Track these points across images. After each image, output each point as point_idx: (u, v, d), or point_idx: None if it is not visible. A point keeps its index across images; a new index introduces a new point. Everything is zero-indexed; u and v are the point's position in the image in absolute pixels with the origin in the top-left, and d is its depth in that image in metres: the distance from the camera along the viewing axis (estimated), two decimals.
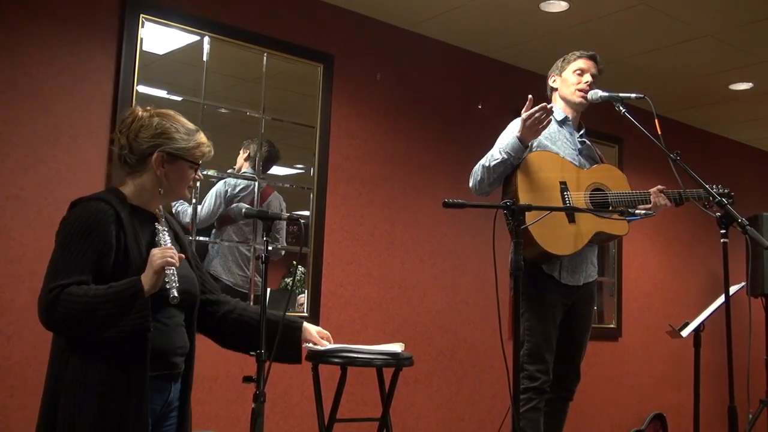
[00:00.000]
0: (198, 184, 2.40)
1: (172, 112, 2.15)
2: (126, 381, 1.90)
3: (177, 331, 2.08)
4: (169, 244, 2.02)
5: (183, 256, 2.02)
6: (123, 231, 1.97)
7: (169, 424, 2.09)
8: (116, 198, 2.03)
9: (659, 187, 3.26)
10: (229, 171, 3.94)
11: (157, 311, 1.96)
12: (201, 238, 3.84)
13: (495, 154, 3.10)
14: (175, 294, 1.91)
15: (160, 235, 2.05)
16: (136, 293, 1.88)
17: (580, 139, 3.36)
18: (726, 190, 3.10)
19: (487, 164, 3.11)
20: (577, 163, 3.27)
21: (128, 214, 2.01)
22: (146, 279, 1.91)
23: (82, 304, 1.85)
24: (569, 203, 3.16)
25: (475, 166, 3.19)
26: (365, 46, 4.49)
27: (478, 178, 3.15)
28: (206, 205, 3.85)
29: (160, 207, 2.17)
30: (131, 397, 1.89)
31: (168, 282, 1.92)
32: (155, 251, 1.94)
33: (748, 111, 6.03)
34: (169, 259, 1.92)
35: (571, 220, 3.17)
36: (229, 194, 3.92)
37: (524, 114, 3.01)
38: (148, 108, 2.13)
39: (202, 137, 2.14)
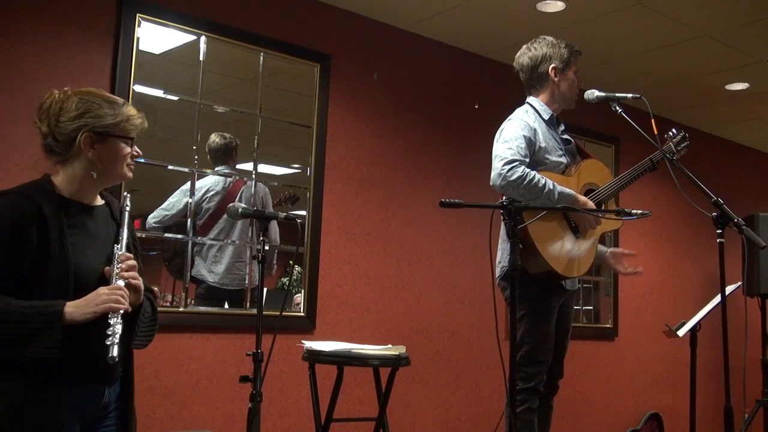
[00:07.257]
0: (139, 160, 2.12)
1: (92, 89, 1.99)
2: (41, 394, 1.77)
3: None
4: (121, 283, 1.85)
5: (127, 308, 1.84)
6: (46, 229, 1.81)
7: (106, 425, 2.00)
8: (42, 191, 1.88)
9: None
10: (207, 170, 3.84)
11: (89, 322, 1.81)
12: (179, 236, 3.73)
13: (555, 194, 2.99)
14: (113, 354, 1.76)
15: (114, 263, 1.88)
16: (53, 321, 1.74)
17: (563, 137, 3.31)
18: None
19: (541, 189, 2.97)
20: (564, 166, 3.22)
21: (54, 209, 1.85)
22: (77, 311, 1.77)
23: None
24: (572, 221, 3.15)
25: (510, 166, 2.96)
26: (362, 46, 4.48)
27: (520, 187, 2.95)
28: (172, 202, 3.74)
29: (128, 203, 2.02)
30: (43, 410, 1.77)
31: (110, 336, 1.76)
32: (103, 290, 1.81)
33: (745, 111, 6.04)
34: (114, 305, 1.79)
35: (578, 236, 3.16)
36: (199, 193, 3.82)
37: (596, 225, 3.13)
38: (66, 88, 1.96)
39: (131, 109, 1.98)
